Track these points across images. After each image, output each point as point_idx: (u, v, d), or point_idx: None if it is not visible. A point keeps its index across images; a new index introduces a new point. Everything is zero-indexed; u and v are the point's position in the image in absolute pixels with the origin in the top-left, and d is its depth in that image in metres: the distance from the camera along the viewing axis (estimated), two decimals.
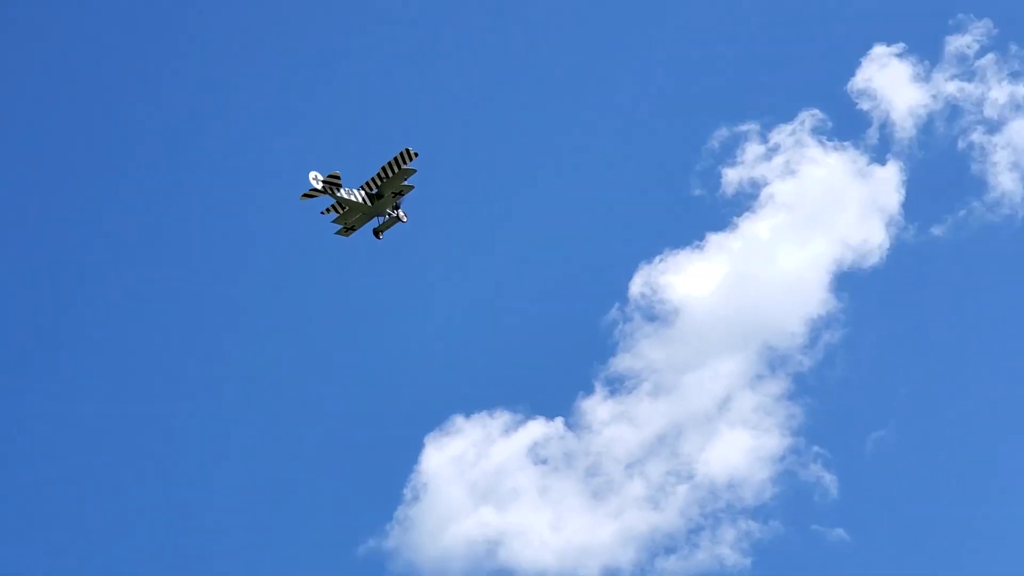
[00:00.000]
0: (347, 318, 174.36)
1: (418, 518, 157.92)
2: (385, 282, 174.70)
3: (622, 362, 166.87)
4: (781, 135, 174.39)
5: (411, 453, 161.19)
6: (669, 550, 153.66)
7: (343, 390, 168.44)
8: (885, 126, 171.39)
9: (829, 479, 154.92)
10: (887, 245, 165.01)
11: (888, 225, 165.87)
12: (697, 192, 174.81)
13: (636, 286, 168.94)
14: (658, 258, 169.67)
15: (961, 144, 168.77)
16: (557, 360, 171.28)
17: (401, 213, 77.91)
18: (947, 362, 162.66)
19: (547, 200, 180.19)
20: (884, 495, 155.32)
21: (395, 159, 73.91)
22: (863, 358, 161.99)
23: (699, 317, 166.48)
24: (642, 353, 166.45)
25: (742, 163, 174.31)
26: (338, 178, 72.23)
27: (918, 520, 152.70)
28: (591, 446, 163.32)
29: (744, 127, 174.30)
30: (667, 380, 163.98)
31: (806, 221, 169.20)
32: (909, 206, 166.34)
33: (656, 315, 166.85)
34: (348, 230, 77.83)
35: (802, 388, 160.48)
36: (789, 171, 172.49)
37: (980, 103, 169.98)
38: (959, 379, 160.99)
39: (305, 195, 73.91)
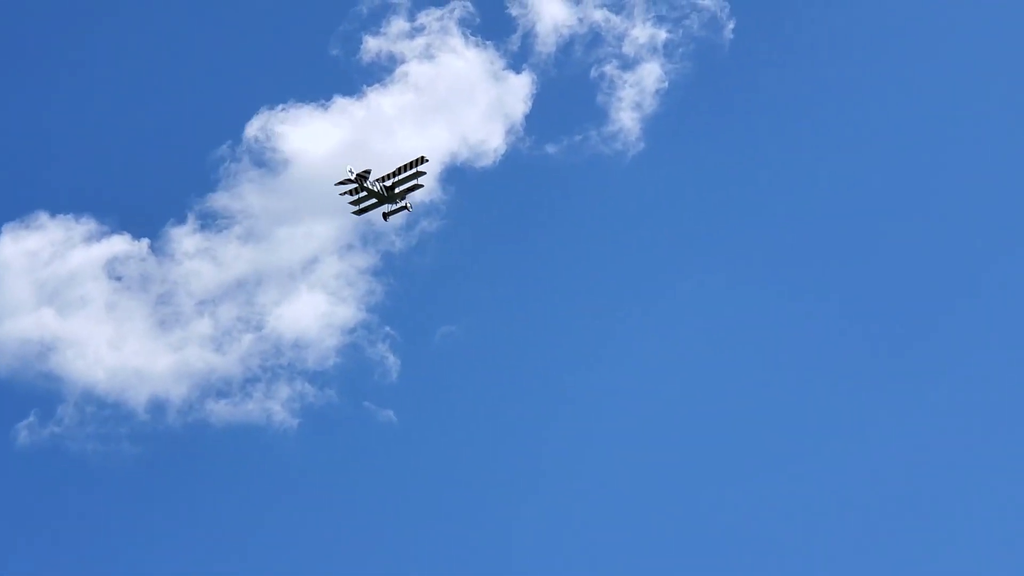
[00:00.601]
0: None
1: None
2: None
3: (220, 200, 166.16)
4: (429, 18, 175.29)
5: None
6: (221, 394, 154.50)
7: None
8: (528, 36, 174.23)
9: (392, 361, 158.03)
10: (502, 151, 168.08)
11: (508, 132, 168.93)
12: (335, 52, 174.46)
13: (252, 129, 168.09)
14: (281, 107, 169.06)
15: (594, 73, 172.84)
16: (157, 182, 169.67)
17: (407, 203, 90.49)
18: (529, 274, 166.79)
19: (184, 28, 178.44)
20: (440, 388, 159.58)
21: (411, 163, 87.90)
22: (453, 253, 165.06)
23: (307, 174, 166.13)
24: (242, 196, 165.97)
25: (385, 35, 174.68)
26: (367, 174, 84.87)
27: (467, 415, 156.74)
28: (170, 275, 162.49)
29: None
30: (260, 228, 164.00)
31: (432, 108, 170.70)
32: (532, 119, 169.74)
33: (265, 162, 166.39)
34: (361, 211, 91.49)
35: (388, 268, 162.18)
36: (428, 55, 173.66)
37: (621, 38, 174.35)
38: (539, 290, 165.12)
39: (339, 183, 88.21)
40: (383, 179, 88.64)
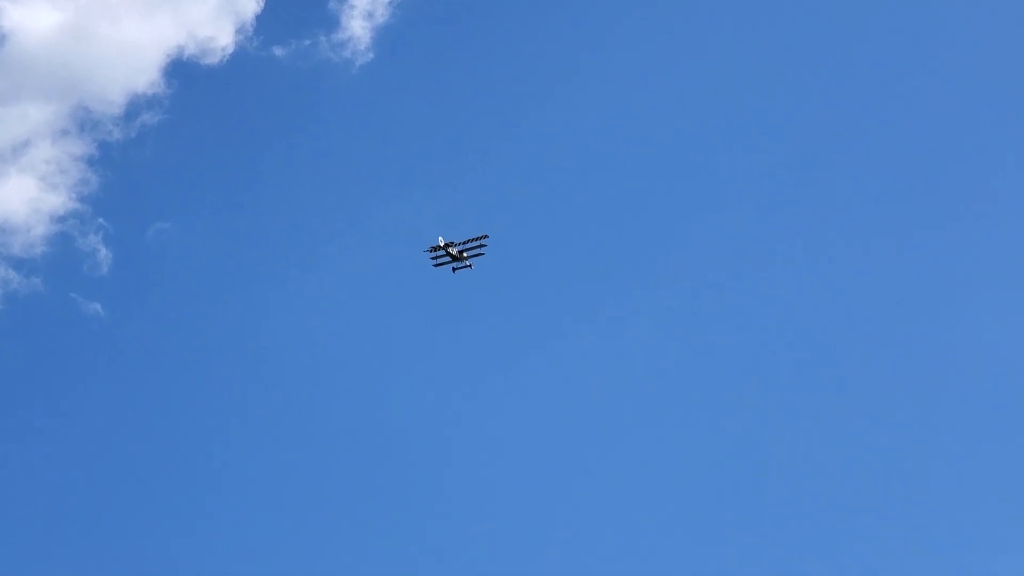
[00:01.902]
0: None
1: None
2: None
3: None
4: None
5: None
6: None
7: None
8: None
9: (104, 254, 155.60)
10: (230, 51, 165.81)
11: (238, 31, 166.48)
12: None
13: None
14: None
15: None
16: None
17: (470, 263, 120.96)
18: (248, 176, 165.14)
19: None
20: (151, 284, 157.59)
21: (478, 236, 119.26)
22: (173, 149, 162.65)
23: (24, 54, 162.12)
24: None
25: None
26: (452, 244, 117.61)
27: (176, 312, 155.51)
28: None
29: None
30: None
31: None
32: (263, 19, 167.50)
33: None
34: (438, 265, 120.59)
35: (105, 158, 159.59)
36: None
37: None
38: (256, 194, 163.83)
39: (431, 249, 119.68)
40: (454, 244, 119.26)
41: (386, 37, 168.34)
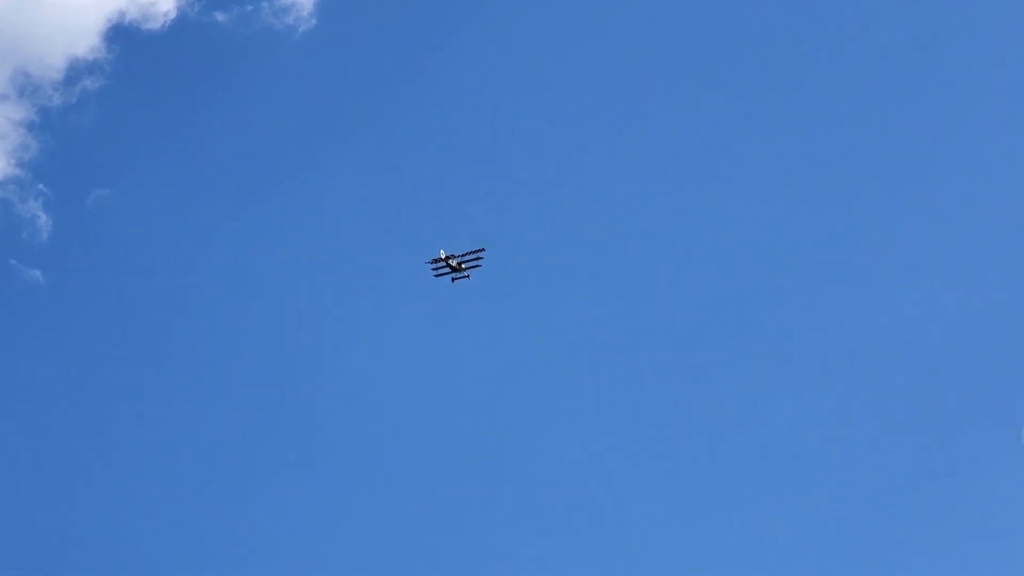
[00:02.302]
0: None
1: None
2: None
3: None
4: None
5: None
6: None
7: None
8: None
9: (44, 220, 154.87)
10: (172, 16, 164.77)
11: None
12: None
13: None
14: None
15: None
16: None
17: (468, 273, 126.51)
18: (190, 143, 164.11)
19: None
20: (91, 251, 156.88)
21: (475, 250, 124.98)
22: (114, 115, 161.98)
23: None
24: None
25: None
26: (452, 256, 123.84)
27: (115, 280, 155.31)
28: None
29: None
30: None
31: None
32: None
33: None
34: (438, 275, 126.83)
35: (45, 124, 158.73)
36: None
37: None
38: (198, 161, 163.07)
39: (432, 261, 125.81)
40: (454, 257, 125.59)
41: (329, 3, 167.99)
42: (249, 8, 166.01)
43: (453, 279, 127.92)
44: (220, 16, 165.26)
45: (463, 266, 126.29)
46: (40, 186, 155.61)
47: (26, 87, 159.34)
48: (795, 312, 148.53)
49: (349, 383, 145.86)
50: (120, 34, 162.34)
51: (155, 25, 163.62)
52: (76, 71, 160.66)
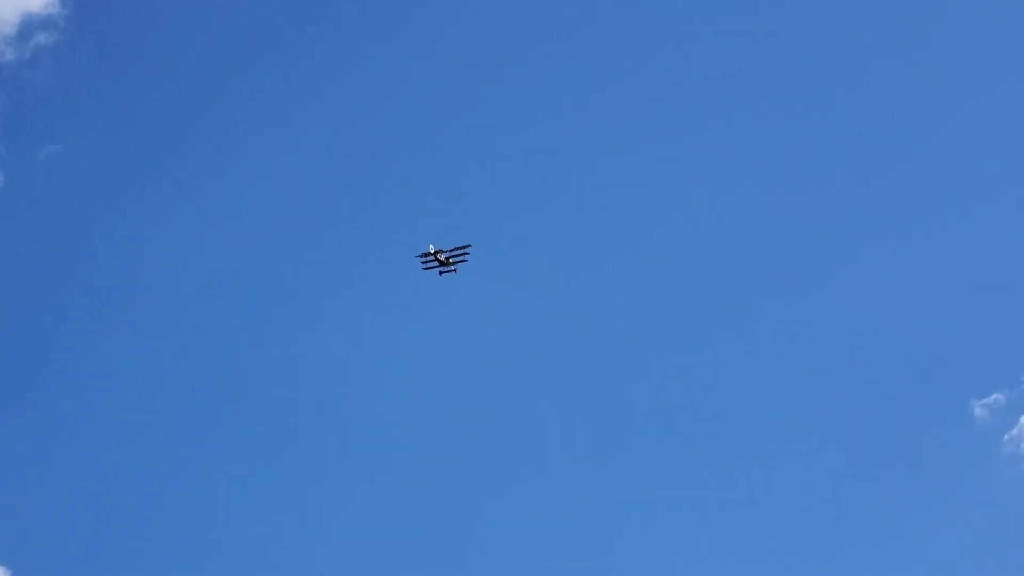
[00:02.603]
0: None
1: None
2: None
3: None
4: None
5: None
6: None
7: None
8: None
9: None
10: None
11: None
12: None
13: None
14: None
15: None
16: None
17: (455, 267, 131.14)
18: (143, 101, 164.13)
19: None
20: (43, 207, 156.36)
21: (462, 246, 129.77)
22: (68, 71, 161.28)
23: None
24: None
25: None
26: (441, 251, 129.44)
27: (67, 238, 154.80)
28: None
29: None
30: None
31: None
32: None
33: None
34: (427, 269, 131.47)
35: None
36: None
37: None
38: (150, 120, 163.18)
39: (422, 254, 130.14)
40: (442, 251, 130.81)
41: None
42: None
43: (441, 272, 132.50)
44: None
45: (450, 260, 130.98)
46: None
47: None
48: (754, 294, 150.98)
49: (305, 361, 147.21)
50: None
51: None
52: (29, 27, 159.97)
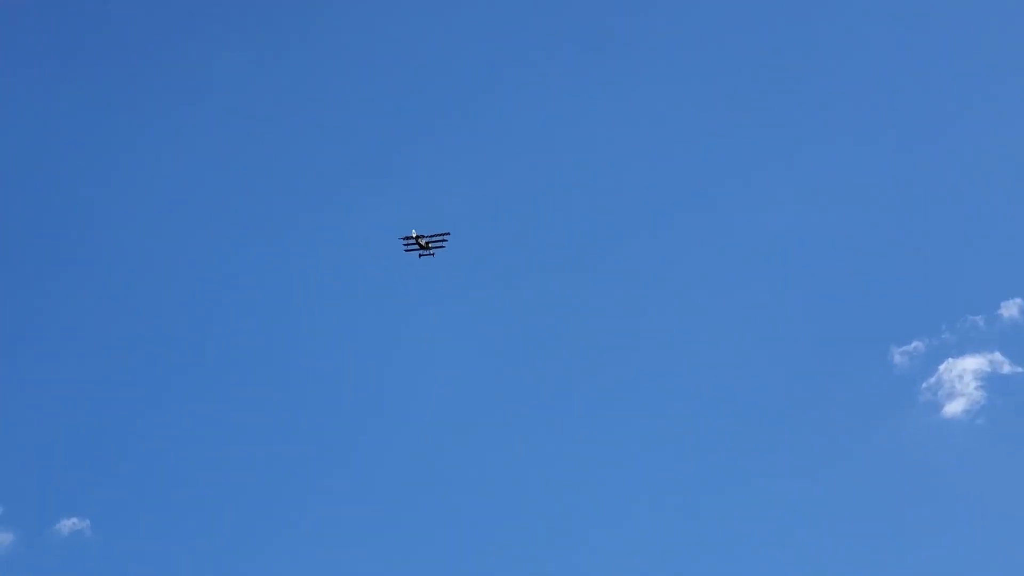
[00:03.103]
0: None
1: None
2: None
3: None
4: None
5: None
6: None
7: None
8: None
9: None
10: None
11: None
12: None
13: None
14: None
15: None
16: None
17: (433, 252, 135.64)
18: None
19: None
20: None
21: (441, 233, 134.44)
22: None
23: None
24: None
25: None
26: (422, 236, 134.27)
27: None
28: None
29: None
30: None
31: None
32: None
33: None
34: (409, 251, 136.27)
35: None
36: None
37: None
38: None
39: (404, 237, 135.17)
40: (423, 237, 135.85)
41: None
42: None
43: (420, 255, 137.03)
44: None
45: (430, 245, 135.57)
46: None
47: None
48: (666, 232, 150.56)
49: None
50: None
51: None
52: None
